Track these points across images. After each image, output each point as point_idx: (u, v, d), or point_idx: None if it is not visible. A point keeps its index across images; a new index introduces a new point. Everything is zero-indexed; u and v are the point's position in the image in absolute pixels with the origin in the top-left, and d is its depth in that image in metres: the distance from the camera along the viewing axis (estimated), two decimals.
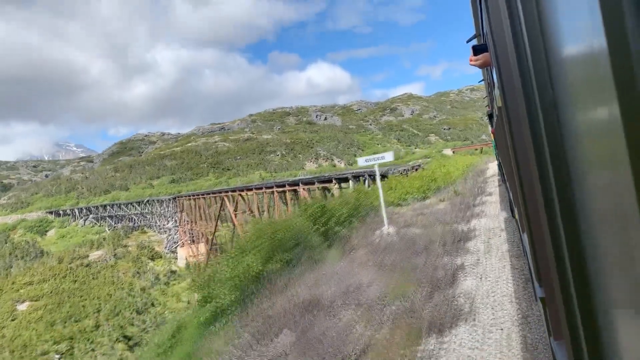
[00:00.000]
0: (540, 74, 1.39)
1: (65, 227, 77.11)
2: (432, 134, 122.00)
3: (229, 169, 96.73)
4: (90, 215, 77.06)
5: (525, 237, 3.80)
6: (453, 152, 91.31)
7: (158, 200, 68.48)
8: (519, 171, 2.87)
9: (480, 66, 4.39)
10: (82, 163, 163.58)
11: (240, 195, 45.26)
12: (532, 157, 1.68)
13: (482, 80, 11.14)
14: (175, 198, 62.92)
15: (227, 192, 47.88)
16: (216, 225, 50.22)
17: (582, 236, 1.24)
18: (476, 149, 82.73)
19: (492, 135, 17.79)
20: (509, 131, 2.95)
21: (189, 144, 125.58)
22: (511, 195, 6.81)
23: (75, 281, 53.60)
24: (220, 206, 48.56)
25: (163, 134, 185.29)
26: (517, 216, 5.65)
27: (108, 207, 76.25)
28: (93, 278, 54.32)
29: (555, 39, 1.14)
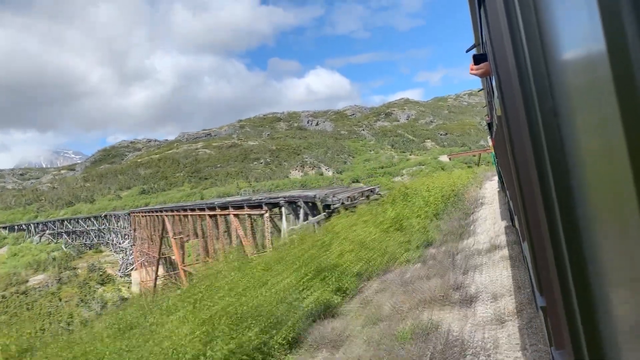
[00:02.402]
0: (540, 82, 1.42)
1: (20, 243, 69.58)
2: (429, 140, 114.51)
3: (206, 178, 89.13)
4: (47, 231, 69.54)
5: (525, 245, 3.74)
6: (450, 158, 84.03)
7: (115, 216, 60.86)
8: (519, 179, 2.87)
9: (481, 75, 4.35)
10: (62, 171, 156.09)
11: (178, 215, 37.49)
12: (533, 164, 1.71)
13: (482, 89, 10.58)
14: (129, 214, 55.17)
15: (167, 211, 40.15)
16: (160, 248, 42.48)
17: (583, 244, 1.26)
18: (474, 155, 75.61)
19: (491, 145, 16.28)
20: (509, 139, 3.00)
21: (170, 151, 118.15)
22: (511, 204, 6.57)
23: (6, 312, 45.85)
24: (163, 227, 40.91)
25: (149, 141, 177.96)
26: (517, 225, 5.62)
27: (65, 222, 68.68)
28: (27, 309, 46.55)
29: (554, 46, 1.15)
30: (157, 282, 42.48)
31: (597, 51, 0.63)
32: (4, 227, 73.70)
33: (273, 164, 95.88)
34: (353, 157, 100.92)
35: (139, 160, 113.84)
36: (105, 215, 64.09)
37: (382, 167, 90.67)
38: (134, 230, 52.98)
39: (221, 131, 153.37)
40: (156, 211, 44.46)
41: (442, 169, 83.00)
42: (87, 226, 65.36)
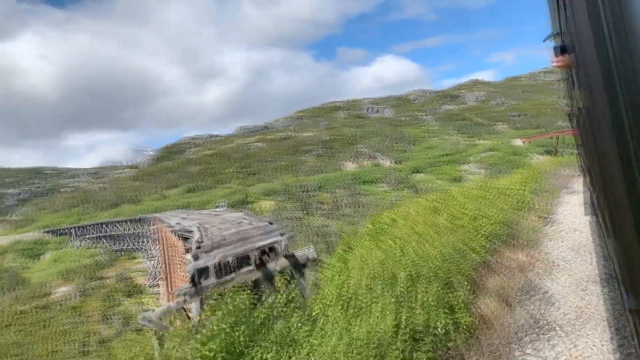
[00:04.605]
0: (625, 76, 1.41)
1: (63, 249, 67.47)
2: (500, 122, 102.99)
3: (254, 174, 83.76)
4: (87, 235, 66.94)
5: (610, 242, 3.56)
6: (523, 142, 73.51)
7: (147, 219, 56.64)
8: (602, 173, 2.76)
9: (565, 67, 4.30)
10: (125, 170, 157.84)
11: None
12: (616, 158, 1.67)
13: (563, 79, 8.83)
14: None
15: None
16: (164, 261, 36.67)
17: None
18: (551, 137, 64.87)
19: (573, 135, 12.90)
20: (591, 132, 2.83)
21: (223, 147, 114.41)
22: (594, 197, 6.12)
23: (21, 331, 42.19)
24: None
25: (210, 136, 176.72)
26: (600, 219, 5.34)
27: (104, 226, 65.67)
28: (44, 326, 42.65)
29: None
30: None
31: None
32: (48, 232, 72.35)
33: (325, 155, 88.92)
34: (414, 144, 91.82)
35: (191, 156, 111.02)
36: (140, 219, 60.19)
37: (447, 155, 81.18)
38: (158, 234, 48.08)
39: (278, 123, 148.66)
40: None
41: (514, 154, 72.41)
42: (124, 230, 61.95)
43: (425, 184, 68.81)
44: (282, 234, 13.11)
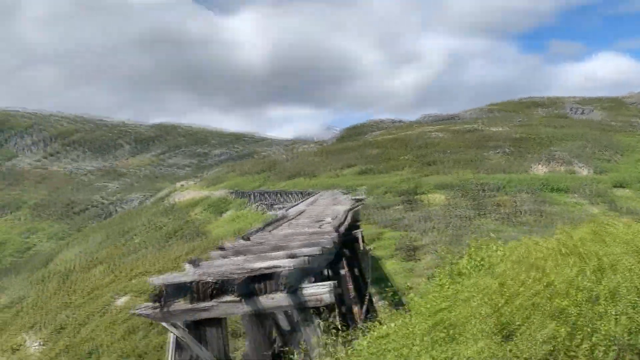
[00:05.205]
0: None
1: (242, 210, 72.78)
2: None
3: (430, 164, 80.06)
4: (264, 201, 71.05)
5: None
6: None
7: (313, 194, 57.48)
8: None
9: None
10: (312, 145, 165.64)
11: None
12: None
13: None
14: None
15: None
16: None
17: None
18: None
19: None
20: None
21: (404, 133, 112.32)
22: None
23: None
24: None
25: (394, 121, 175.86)
26: None
27: (279, 195, 68.93)
28: None
29: None
30: None
31: None
32: (232, 192, 78.92)
33: (512, 154, 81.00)
34: (622, 155, 78.46)
35: (371, 139, 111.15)
36: (309, 193, 61.61)
37: None
38: None
39: (466, 114, 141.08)
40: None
41: None
42: (294, 200, 64.17)
43: (628, 202, 58.17)
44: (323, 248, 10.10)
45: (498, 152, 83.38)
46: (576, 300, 4.39)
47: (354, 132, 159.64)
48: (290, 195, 66.70)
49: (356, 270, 19.00)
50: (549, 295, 4.59)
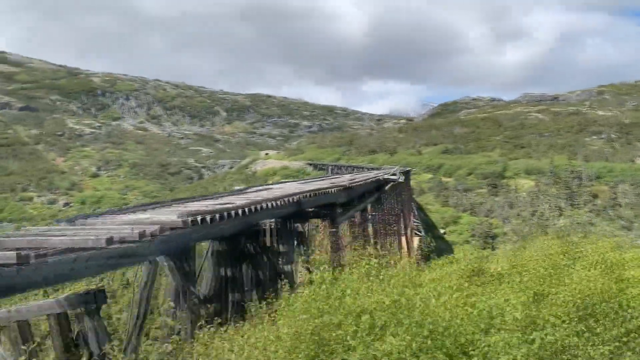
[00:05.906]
0: None
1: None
2: None
3: (522, 147, 74.65)
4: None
5: None
6: None
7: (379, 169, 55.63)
8: None
9: None
10: (401, 121, 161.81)
11: None
12: None
13: None
14: None
15: None
16: None
17: None
18: None
19: None
20: None
21: (499, 112, 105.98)
22: None
23: None
24: None
25: (492, 100, 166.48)
26: None
27: (355, 169, 67.68)
28: None
29: None
30: None
31: None
32: (309, 164, 79.01)
33: (618, 141, 73.23)
34: None
35: (462, 117, 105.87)
36: (379, 169, 59.86)
37: None
38: None
39: (572, 96, 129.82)
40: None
41: None
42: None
43: None
44: None
45: (601, 138, 75.74)
46: None
47: (446, 110, 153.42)
48: (364, 170, 65.55)
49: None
50: None
